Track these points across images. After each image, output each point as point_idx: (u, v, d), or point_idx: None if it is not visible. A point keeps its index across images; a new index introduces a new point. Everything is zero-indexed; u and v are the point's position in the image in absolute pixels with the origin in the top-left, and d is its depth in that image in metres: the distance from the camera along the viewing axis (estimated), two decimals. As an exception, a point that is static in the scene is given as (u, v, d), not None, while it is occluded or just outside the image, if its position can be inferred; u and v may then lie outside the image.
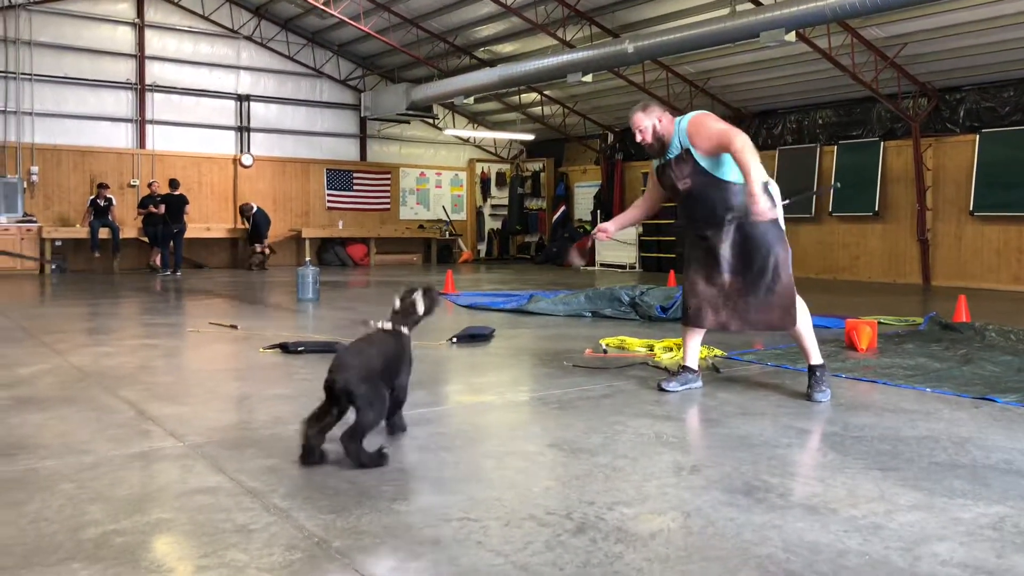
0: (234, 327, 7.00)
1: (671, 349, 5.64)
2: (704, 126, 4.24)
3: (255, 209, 16.18)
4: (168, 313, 8.75)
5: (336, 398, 3.12)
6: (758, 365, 5.34)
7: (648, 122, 4.30)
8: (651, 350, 5.67)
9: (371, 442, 3.14)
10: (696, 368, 4.54)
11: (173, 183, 15.08)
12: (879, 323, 6.67)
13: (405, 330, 3.49)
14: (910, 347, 6.04)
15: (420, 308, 3.55)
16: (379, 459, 3.05)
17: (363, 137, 19.02)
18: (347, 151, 18.85)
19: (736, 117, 15.55)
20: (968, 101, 12.64)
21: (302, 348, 5.68)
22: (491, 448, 3.45)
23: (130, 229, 15.35)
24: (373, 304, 9.55)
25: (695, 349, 4.55)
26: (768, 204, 4.08)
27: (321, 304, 9.27)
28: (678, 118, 4.33)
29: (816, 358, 4.35)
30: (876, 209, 13.49)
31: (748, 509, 2.69)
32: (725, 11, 11.65)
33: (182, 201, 14.97)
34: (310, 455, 3.11)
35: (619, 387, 4.63)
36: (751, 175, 3.98)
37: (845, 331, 6.07)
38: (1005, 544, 2.40)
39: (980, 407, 4.20)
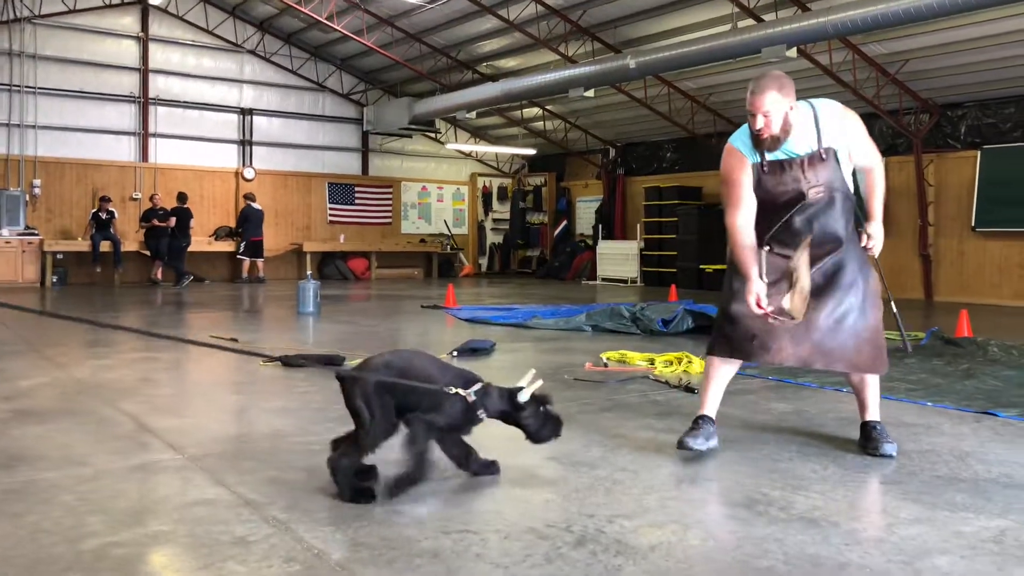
0: (234, 340, 7.01)
1: (671, 363, 5.64)
2: (861, 128, 3.38)
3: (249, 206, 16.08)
4: (169, 326, 8.76)
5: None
6: (759, 379, 5.33)
7: (782, 106, 3.19)
8: (652, 364, 5.67)
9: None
10: (714, 418, 3.55)
11: (182, 196, 15.18)
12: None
13: (482, 413, 2.93)
14: (912, 362, 6.04)
15: (521, 398, 2.94)
16: (364, 496, 2.76)
17: (365, 151, 19.09)
18: (349, 165, 18.92)
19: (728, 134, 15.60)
20: (969, 117, 12.68)
21: (302, 361, 5.68)
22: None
23: (132, 242, 15.39)
24: (374, 318, 9.56)
25: (720, 392, 3.58)
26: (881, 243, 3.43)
27: (322, 318, 9.28)
28: (808, 103, 3.34)
29: (878, 413, 3.58)
30: (878, 224, 13.48)
31: (749, 522, 2.68)
32: (727, 27, 11.73)
33: (189, 215, 15.11)
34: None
35: (620, 400, 4.63)
36: (881, 205, 3.40)
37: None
38: (1007, 558, 2.39)
39: (981, 421, 4.19)
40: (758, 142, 3.28)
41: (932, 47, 11.37)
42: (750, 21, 11.46)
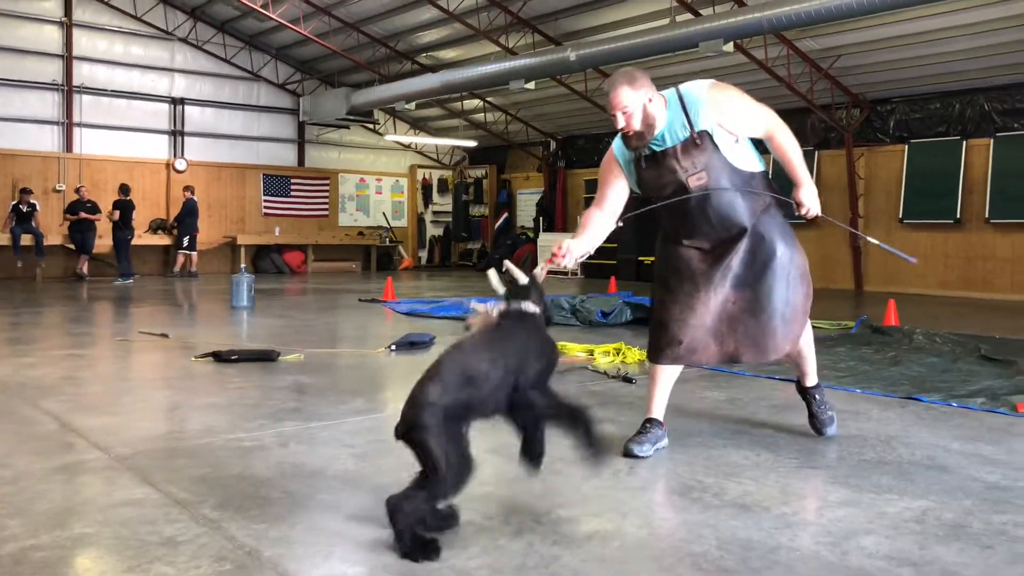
0: (165, 336, 6.83)
1: (610, 354, 5.70)
2: (737, 100, 3.22)
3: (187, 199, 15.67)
4: (95, 322, 8.49)
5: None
6: (694, 369, 5.42)
7: (637, 100, 3.14)
8: (591, 355, 5.72)
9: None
10: (662, 419, 3.46)
11: (124, 189, 14.71)
12: (812, 327, 6.83)
13: (532, 308, 2.63)
14: (842, 350, 6.23)
15: (522, 279, 2.70)
16: (427, 552, 2.24)
17: (301, 142, 18.78)
18: (285, 156, 18.59)
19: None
20: (898, 112, 13.11)
21: (235, 357, 5.57)
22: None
23: (55, 236, 14.85)
24: (311, 312, 9.42)
25: (667, 393, 3.49)
26: (817, 206, 3.29)
27: (256, 312, 9.11)
28: (674, 91, 3.26)
29: (815, 378, 3.64)
30: (811, 216, 13.86)
31: (684, 509, 2.73)
32: (665, 21, 11.89)
33: (132, 207, 14.67)
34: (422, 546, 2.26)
35: (559, 392, 4.64)
36: (803, 167, 3.24)
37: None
38: (928, 536, 2.49)
39: (906, 406, 4.35)
40: (627, 140, 3.26)
41: (863, 43, 11.71)
42: (688, 15, 11.63)
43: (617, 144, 3.40)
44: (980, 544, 2.43)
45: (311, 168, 18.88)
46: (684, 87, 3.26)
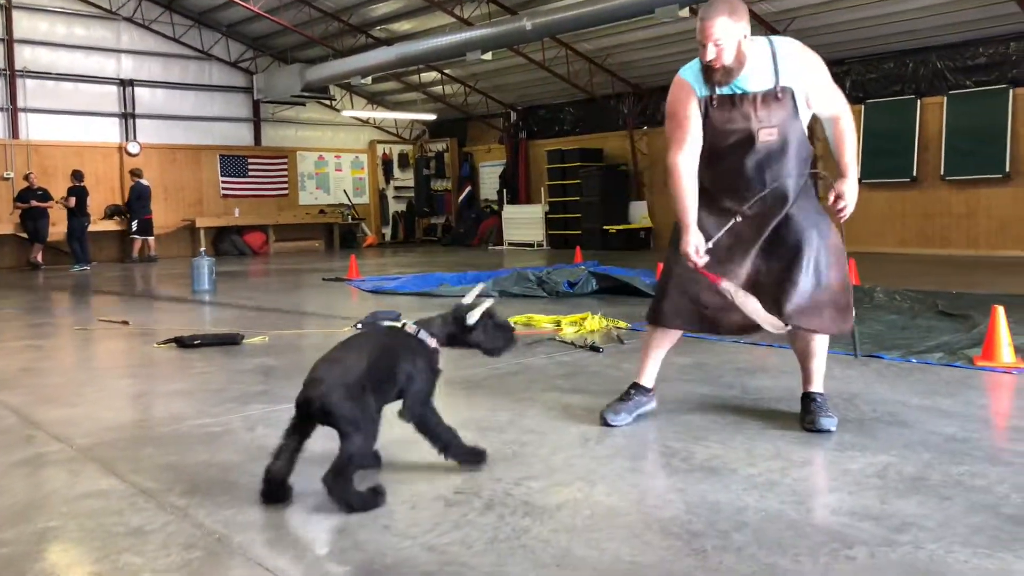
0: (125, 323, 6.72)
1: (576, 324, 5.73)
2: (824, 71, 3.08)
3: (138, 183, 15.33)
4: (53, 312, 8.32)
5: (309, 419, 2.57)
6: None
7: (734, 34, 2.93)
8: (558, 326, 5.75)
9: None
10: (651, 386, 3.40)
11: (78, 175, 14.36)
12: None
13: (426, 337, 2.73)
14: (804, 311, 6.31)
15: (470, 320, 2.75)
16: (373, 499, 2.47)
17: (257, 121, 18.46)
18: (241, 136, 18.27)
19: (635, 93, 15.84)
20: (853, 73, 13.23)
21: (199, 342, 5.50)
22: (398, 433, 3.42)
23: (6, 224, 14.49)
24: (274, 293, 9.32)
25: (659, 361, 3.42)
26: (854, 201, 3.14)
27: (218, 295, 8.99)
28: (765, 38, 3.07)
29: (821, 385, 3.34)
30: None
31: (652, 475, 2.77)
32: (621, -14, 11.81)
33: (86, 193, 14.35)
34: (274, 492, 2.52)
35: (527, 364, 4.68)
36: (855, 161, 3.10)
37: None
38: (888, 491, 2.55)
39: (868, 364, 4.44)
40: (709, 74, 3.00)
41: (817, 5, 11.77)
42: (644, -20, 11.56)
43: (691, 74, 3.11)
44: (939, 496, 2.50)
45: (268, 147, 18.59)
46: (778, 40, 3.08)
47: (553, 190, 17.14)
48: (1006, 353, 4.27)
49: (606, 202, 15.78)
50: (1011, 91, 11.49)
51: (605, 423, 3.28)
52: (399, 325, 2.77)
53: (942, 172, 12.14)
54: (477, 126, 19.60)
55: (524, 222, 17.44)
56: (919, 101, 12.43)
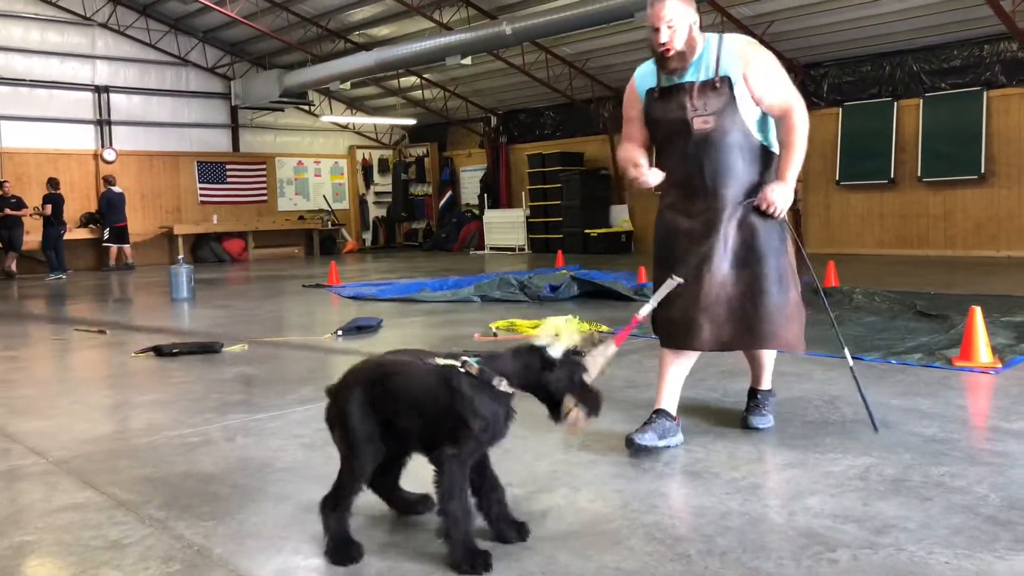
0: (102, 332, 6.65)
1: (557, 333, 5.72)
2: (770, 63, 3.03)
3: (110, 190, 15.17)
4: (29, 321, 8.21)
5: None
6: (643, 338, 5.49)
7: (684, 17, 2.96)
8: (543, 329, 5.74)
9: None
10: (675, 414, 3.17)
11: (54, 182, 14.20)
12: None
13: (506, 387, 2.19)
14: (785, 313, 6.35)
15: (554, 354, 2.23)
16: (340, 555, 2.16)
17: (235, 127, 18.34)
18: (218, 142, 18.14)
19: (615, 97, 15.90)
20: (831, 76, 13.36)
21: (177, 350, 5.45)
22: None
23: (-20, 234, 14.28)
24: (253, 300, 9.26)
25: (676, 383, 3.21)
26: (784, 204, 3.03)
27: (197, 303, 8.92)
28: (713, 34, 3.07)
29: (769, 383, 3.42)
30: (751, 182, 14.12)
31: (636, 479, 2.77)
32: (600, -9, 11.86)
33: (62, 201, 14.20)
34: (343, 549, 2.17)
35: (509, 370, 4.66)
36: (798, 165, 3.01)
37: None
38: (870, 492, 2.57)
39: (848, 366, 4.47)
40: (663, 62, 3.01)
41: (796, 8, 11.87)
42: (623, -15, 11.62)
43: (640, 72, 3.19)
44: (920, 496, 2.52)
45: (247, 153, 18.47)
46: (726, 35, 3.08)
47: (534, 194, 17.17)
48: (983, 353, 4.32)
49: (587, 206, 15.83)
50: (985, 93, 11.64)
51: (632, 444, 3.00)
52: (455, 363, 2.18)
53: (919, 174, 12.28)
54: (457, 131, 19.60)
55: (505, 226, 17.45)
56: (896, 103, 12.56)
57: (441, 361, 2.20)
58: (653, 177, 3.07)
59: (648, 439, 3.01)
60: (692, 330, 3.06)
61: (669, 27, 2.94)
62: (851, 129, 13.00)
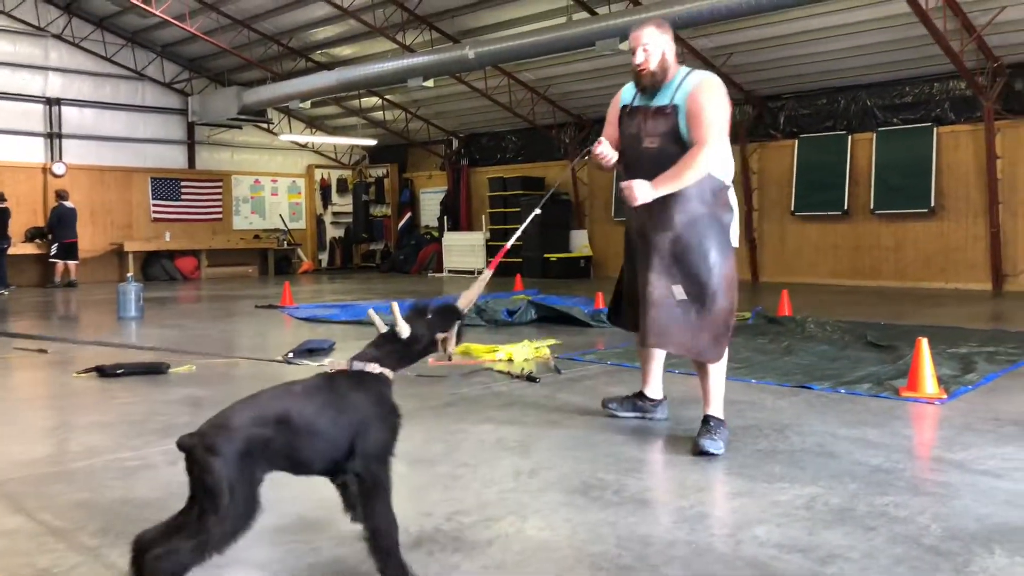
0: (43, 351, 6.47)
1: (510, 358, 5.72)
2: (709, 102, 3.32)
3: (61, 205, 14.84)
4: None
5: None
6: (598, 364, 5.52)
7: (659, 42, 3.38)
8: (496, 355, 5.73)
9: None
10: (656, 396, 3.90)
11: None
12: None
13: (377, 368, 2.27)
14: (739, 341, 6.43)
15: (404, 332, 2.32)
16: None
17: (191, 143, 18.12)
18: (174, 158, 17.90)
19: (576, 124, 16.08)
20: (788, 108, 13.68)
21: (121, 371, 5.33)
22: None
23: (-81, 247, 13.84)
24: (204, 320, 9.11)
25: (652, 370, 3.87)
26: (639, 198, 3.30)
27: (145, 322, 8.74)
28: (687, 67, 3.48)
29: (718, 409, 3.54)
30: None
31: (584, 508, 2.77)
32: (562, 20, 12.03)
33: (7, 215, 13.82)
34: None
35: (463, 394, 4.65)
36: (671, 182, 3.29)
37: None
38: (816, 522, 2.60)
39: (799, 394, 4.54)
40: (638, 80, 3.46)
41: (754, 41, 12.15)
42: (585, 14, 11.81)
43: (625, 88, 3.65)
44: (864, 527, 2.56)
45: (202, 170, 18.25)
46: (696, 70, 3.48)
47: (494, 217, 17.22)
48: (930, 384, 4.42)
49: (547, 230, 15.90)
50: (935, 129, 12.02)
51: (605, 406, 3.95)
52: (336, 369, 2.25)
53: (872, 206, 12.59)
54: (418, 152, 19.62)
55: (465, 249, 17.45)
56: (850, 137, 12.89)
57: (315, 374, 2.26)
58: (611, 153, 3.49)
59: (619, 410, 3.95)
60: (640, 328, 3.53)
61: (644, 50, 3.38)
62: (806, 161, 13.30)
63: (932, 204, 11.98)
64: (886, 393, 4.48)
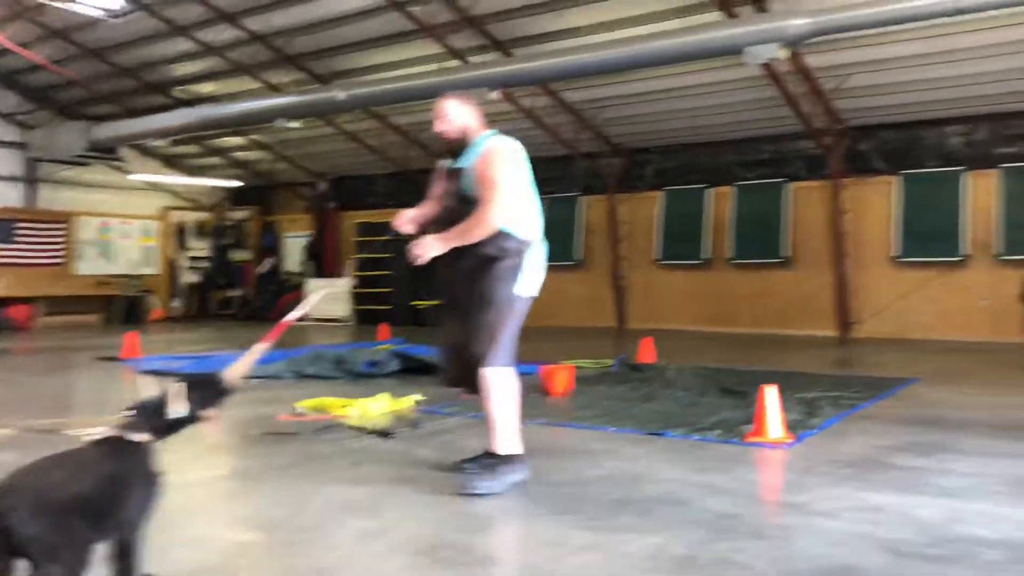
0: None
1: (369, 408, 5.61)
2: (496, 162, 3.68)
3: None
4: None
5: None
6: (459, 417, 5.49)
7: (459, 115, 3.78)
8: (351, 410, 5.59)
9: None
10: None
11: None
12: (577, 367, 7.20)
13: (141, 437, 2.42)
14: (602, 388, 6.60)
15: (178, 407, 2.51)
16: None
17: (32, 181, 17.03)
18: (10, 197, 16.72)
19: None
20: (655, 161, 14.33)
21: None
22: (156, 535, 3.18)
23: None
24: (34, 375, 8.47)
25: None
26: (425, 254, 3.69)
27: (-33, 377, 8.04)
28: (487, 133, 3.82)
29: (500, 447, 3.68)
30: (577, 258, 14.74)
31: (428, 570, 2.72)
32: (434, 67, 12.19)
33: None
34: None
35: (312, 452, 4.50)
36: (459, 236, 3.64)
37: (541, 376, 6.48)
38: (660, 572, 2.66)
39: (655, 442, 4.67)
40: (442, 144, 3.88)
41: (623, 96, 12.68)
42: (456, 62, 12.01)
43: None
44: (705, 574, 2.63)
45: (43, 211, 17.13)
46: (495, 136, 3.83)
47: (362, 263, 17.01)
48: (776, 429, 4.64)
49: (416, 277, 15.82)
50: (788, 185, 12.89)
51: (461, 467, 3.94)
52: (108, 437, 2.37)
53: (730, 256, 13.29)
54: (283, 194, 19.21)
55: (330, 296, 17.11)
56: (712, 190, 13.61)
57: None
58: (404, 222, 4.00)
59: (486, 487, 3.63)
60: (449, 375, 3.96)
61: (445, 119, 3.79)
62: (671, 212, 13.93)
63: (786, 255, 12.76)
64: (735, 439, 4.67)
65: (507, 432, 3.70)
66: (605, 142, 14.06)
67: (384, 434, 4.85)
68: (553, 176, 15.30)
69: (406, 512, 3.38)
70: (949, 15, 8.21)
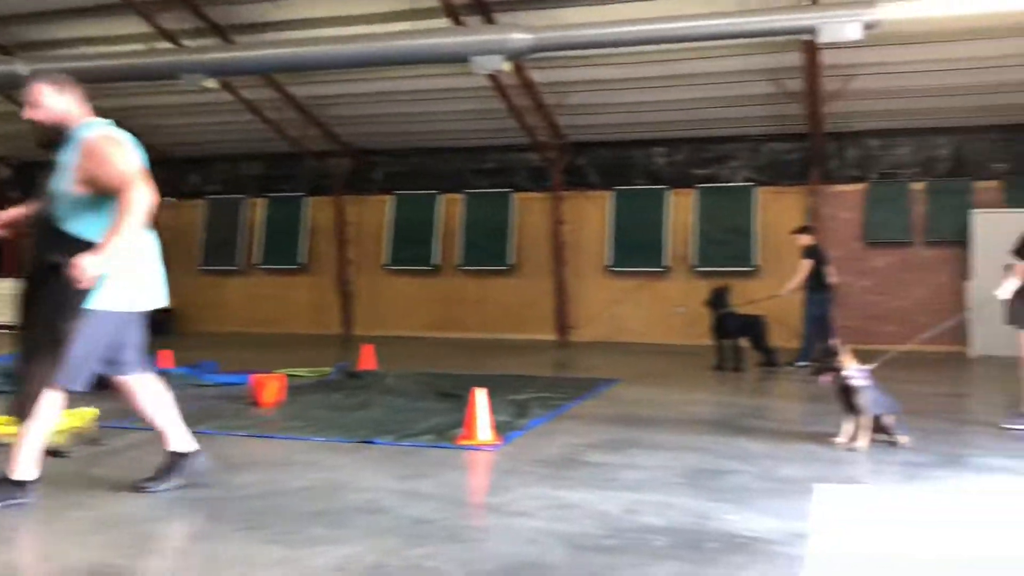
0: None
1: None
2: (106, 149, 3.40)
3: None
4: None
5: None
6: (145, 432, 5.06)
7: (53, 101, 3.45)
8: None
9: None
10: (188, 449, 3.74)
11: None
12: (289, 376, 6.99)
13: None
14: (316, 397, 6.45)
15: None
16: None
17: None
18: None
19: (162, 161, 15.09)
20: (383, 164, 14.34)
21: None
22: None
23: None
24: None
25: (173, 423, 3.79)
26: (93, 275, 3.25)
27: None
28: (92, 121, 3.52)
29: (17, 472, 3.38)
30: (302, 261, 14.38)
31: (83, 602, 2.46)
32: (141, 46, 11.28)
33: None
34: None
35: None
36: (118, 238, 3.28)
37: (251, 387, 6.21)
38: (345, 584, 2.61)
39: (360, 451, 4.63)
40: (39, 135, 3.53)
41: (353, 95, 12.55)
42: (169, 44, 11.21)
43: None
44: (391, 582, 2.63)
45: None
46: (94, 125, 3.49)
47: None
48: (485, 431, 4.80)
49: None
50: (514, 195, 13.51)
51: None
52: None
53: (458, 262, 13.66)
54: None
55: (5, 299, 15.18)
56: (441, 197, 13.90)
57: None
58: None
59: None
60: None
61: (35, 106, 3.46)
62: (401, 217, 14.04)
63: (511, 262, 13.37)
64: (445, 443, 4.76)
65: (29, 459, 3.40)
66: (334, 141, 13.85)
67: (55, 453, 4.34)
68: (278, 174, 14.85)
69: (69, 539, 3.05)
70: (655, 43, 9.08)
